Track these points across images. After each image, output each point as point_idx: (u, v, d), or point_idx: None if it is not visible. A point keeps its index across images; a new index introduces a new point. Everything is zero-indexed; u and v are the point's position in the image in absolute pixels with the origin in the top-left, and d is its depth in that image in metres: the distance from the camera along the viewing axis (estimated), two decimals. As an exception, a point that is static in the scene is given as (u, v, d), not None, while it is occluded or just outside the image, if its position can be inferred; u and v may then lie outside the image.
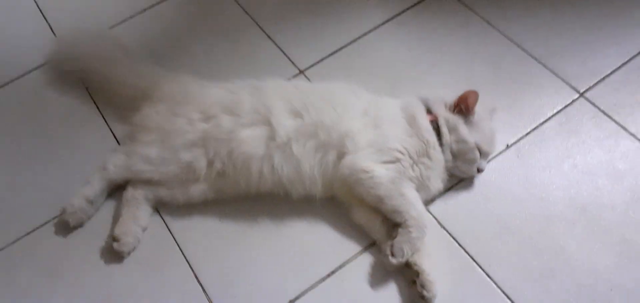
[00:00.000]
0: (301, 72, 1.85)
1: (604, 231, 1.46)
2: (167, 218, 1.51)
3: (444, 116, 1.50)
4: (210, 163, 1.46)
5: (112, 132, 1.70)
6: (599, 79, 1.78)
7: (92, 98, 1.78)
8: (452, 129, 1.48)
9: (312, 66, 1.87)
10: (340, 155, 1.44)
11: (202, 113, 1.48)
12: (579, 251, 1.42)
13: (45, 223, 1.51)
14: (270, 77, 1.58)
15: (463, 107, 1.49)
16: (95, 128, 1.71)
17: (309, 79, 1.83)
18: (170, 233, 1.49)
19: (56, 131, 1.71)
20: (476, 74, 1.82)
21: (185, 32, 2.01)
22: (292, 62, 1.88)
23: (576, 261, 1.41)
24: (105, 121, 1.73)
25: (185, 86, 1.58)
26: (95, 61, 1.72)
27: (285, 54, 1.92)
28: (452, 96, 1.53)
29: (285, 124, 1.44)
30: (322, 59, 1.89)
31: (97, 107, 1.76)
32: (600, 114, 1.70)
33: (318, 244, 1.45)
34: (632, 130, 1.65)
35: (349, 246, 1.45)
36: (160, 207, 1.52)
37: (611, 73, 1.79)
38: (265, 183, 1.46)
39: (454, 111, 1.51)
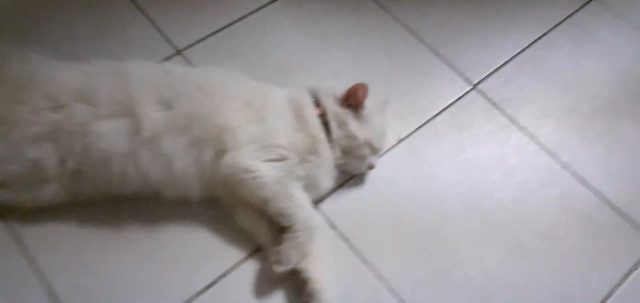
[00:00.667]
0: (179, 52, 1.66)
1: (495, 228, 1.43)
2: (14, 225, 1.29)
3: (333, 110, 1.39)
4: (61, 161, 1.24)
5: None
6: (491, 71, 1.76)
7: None
8: (341, 124, 1.38)
9: (191, 45, 1.68)
10: (219, 152, 1.28)
11: (50, 100, 1.25)
12: (471, 249, 1.39)
13: None
14: (137, 59, 1.37)
15: (352, 101, 1.39)
16: None
17: (188, 62, 1.65)
18: (18, 242, 1.26)
19: None
20: (369, 63, 1.74)
21: (40, 1, 1.71)
22: (169, 41, 1.68)
23: (468, 260, 1.37)
24: None
25: (31, 66, 1.32)
26: None
27: (160, 30, 1.70)
28: (342, 88, 1.42)
29: (153, 117, 1.25)
30: (203, 38, 1.71)
31: None
32: (492, 107, 1.68)
33: (196, 251, 1.30)
34: (523, 124, 1.65)
35: (232, 253, 1.31)
36: (5, 212, 1.28)
37: (503, 65, 1.78)
38: (130, 184, 1.27)
39: (343, 104, 1.39)
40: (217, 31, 1.72)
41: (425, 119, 1.61)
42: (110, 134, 1.23)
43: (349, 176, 1.46)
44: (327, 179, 1.37)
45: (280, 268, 1.22)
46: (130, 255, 1.27)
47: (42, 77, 1.29)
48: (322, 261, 1.27)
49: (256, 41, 1.73)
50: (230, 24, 1.75)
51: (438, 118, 1.63)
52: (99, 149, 1.22)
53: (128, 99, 1.26)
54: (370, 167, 1.43)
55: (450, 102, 1.67)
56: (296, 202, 1.27)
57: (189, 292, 1.24)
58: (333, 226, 1.38)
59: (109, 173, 1.24)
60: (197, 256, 1.29)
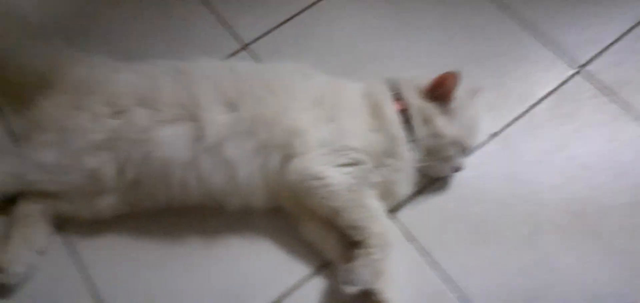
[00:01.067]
0: (245, 46, 1.55)
1: (602, 242, 1.22)
2: (72, 238, 1.22)
3: (416, 104, 1.21)
4: (120, 171, 1.17)
5: (8, 128, 1.37)
6: (599, 50, 1.51)
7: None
8: (426, 121, 1.21)
9: (257, 38, 1.56)
10: (287, 158, 1.16)
11: (110, 106, 1.18)
12: (573, 266, 1.19)
13: None
14: (201, 56, 1.27)
15: (440, 92, 1.21)
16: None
17: (256, 57, 1.53)
18: (75, 256, 1.20)
19: None
20: (454, 46, 1.55)
21: (104, 2, 1.65)
22: (235, 35, 1.57)
23: (568, 277, 1.18)
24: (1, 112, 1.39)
25: (92, 69, 1.26)
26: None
27: (225, 25, 1.59)
28: (426, 78, 1.24)
29: (217, 120, 1.15)
30: (269, 31, 1.58)
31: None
32: (601, 93, 1.44)
33: (258, 266, 1.19)
34: (639, 112, 1.40)
35: (297, 269, 1.19)
36: (62, 224, 1.23)
37: (614, 42, 1.53)
38: (191, 195, 1.18)
39: (428, 97, 1.22)
40: (283, 22, 1.60)
41: (522, 110, 1.41)
42: (171, 141, 1.14)
43: (431, 180, 1.29)
44: (406, 185, 1.21)
45: (350, 289, 1.08)
46: (187, 269, 1.18)
47: (102, 81, 1.22)
48: (399, 280, 1.13)
49: (325, 29, 1.59)
50: (297, 14, 1.61)
51: (536, 108, 1.41)
52: (159, 158, 1.14)
53: (191, 101, 1.16)
54: (457, 169, 1.25)
55: (550, 89, 1.45)
56: (370, 213, 1.13)
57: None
58: (411, 239, 1.22)
59: (169, 183, 1.16)
60: (259, 271, 1.18)
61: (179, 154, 1.14)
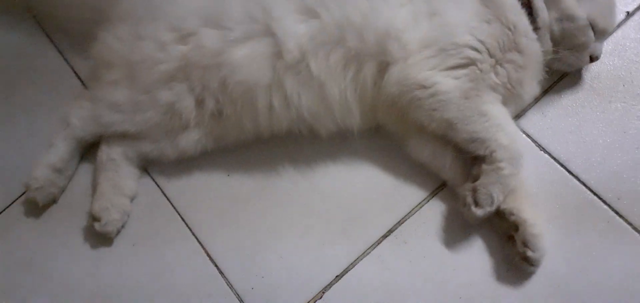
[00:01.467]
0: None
1: None
2: (160, 180, 1.14)
3: (537, -20, 0.99)
4: (199, 102, 1.05)
5: (74, 71, 1.29)
6: None
7: (43, 30, 1.35)
8: (552, 2, 0.99)
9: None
10: (383, 66, 0.99)
11: (175, 31, 1.05)
12: None
13: (9, 205, 1.15)
14: None
15: (568, -37, 0.98)
16: (54, 69, 1.30)
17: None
18: (167, 198, 1.12)
19: (4, 80, 1.31)
20: None
21: None
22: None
23: None
24: (65, 59, 1.31)
25: (148, -8, 1.13)
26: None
27: None
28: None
29: (295, 31, 0.99)
30: None
31: (52, 42, 1.34)
32: None
33: (364, 195, 1.06)
34: None
35: (409, 194, 1.05)
36: (149, 166, 1.15)
37: None
38: (280, 121, 1.04)
39: (552, -29, 1.00)
40: None
41: None
42: (247, 62, 1.01)
43: (559, 75, 1.08)
44: (533, 85, 1.01)
45: (479, 212, 0.93)
46: (287, 206, 1.07)
47: (162, 3, 1.09)
48: (535, 197, 0.96)
49: None
50: None
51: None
52: (237, 82, 1.01)
53: (263, 13, 1.01)
54: (594, 58, 1.03)
55: None
56: (494, 121, 0.95)
57: (363, 245, 1.01)
58: (543, 148, 1.03)
59: (253, 109, 1.03)
60: (367, 201, 1.06)
61: (258, 75, 1.00)
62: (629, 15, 1.12)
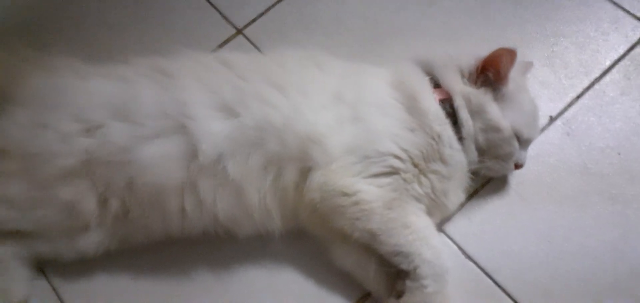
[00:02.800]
0: (239, 31, 1.32)
1: None
2: (56, 281, 1.02)
3: (462, 91, 0.98)
4: (102, 201, 0.95)
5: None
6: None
7: None
8: (477, 112, 0.97)
9: (252, 21, 1.33)
10: (305, 170, 0.94)
11: (80, 122, 0.96)
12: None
13: None
14: (186, 50, 1.04)
15: (492, 73, 0.97)
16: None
17: (252, 44, 1.30)
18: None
19: None
20: (495, 9, 1.30)
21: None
22: (226, 18, 1.33)
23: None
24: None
25: (56, 76, 1.03)
26: None
27: (215, 8, 1.34)
28: (469, 57, 1.01)
29: (212, 130, 0.92)
30: (264, 11, 1.34)
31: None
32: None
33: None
34: None
35: None
36: (45, 265, 1.03)
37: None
38: (193, 225, 0.96)
39: (476, 81, 0.99)
40: (279, 0, 1.35)
41: (587, 84, 1.18)
42: (158, 161, 0.92)
43: (485, 180, 1.06)
44: (458, 194, 0.98)
45: None
46: (199, 311, 0.97)
47: (69, 90, 1.00)
48: None
49: (332, 3, 1.35)
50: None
51: (605, 79, 1.18)
52: (146, 183, 0.92)
53: (178, 109, 0.94)
54: (519, 166, 1.02)
55: (618, 53, 1.21)
56: (418, 234, 0.91)
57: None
58: (468, 256, 1.00)
59: (162, 213, 0.94)
60: None
61: (169, 176, 0.92)
62: (552, 119, 1.13)
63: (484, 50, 0.98)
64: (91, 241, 0.97)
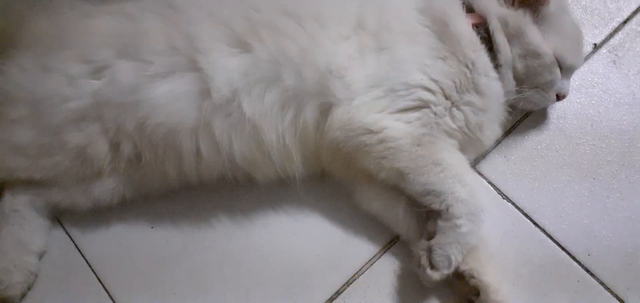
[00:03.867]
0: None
1: None
2: (74, 232, 1.00)
3: (498, 13, 0.89)
4: (114, 146, 0.91)
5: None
6: None
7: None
8: (515, 36, 0.89)
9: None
10: (326, 107, 0.87)
11: (86, 62, 0.91)
12: None
13: None
14: None
15: (530, -5, 0.89)
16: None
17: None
18: (81, 254, 0.97)
19: None
20: None
21: None
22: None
23: None
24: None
25: (59, 16, 0.98)
26: None
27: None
28: (507, -23, 0.93)
29: (225, 66, 0.86)
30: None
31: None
32: None
33: (309, 251, 0.95)
34: None
35: (358, 250, 0.93)
36: (61, 215, 1.00)
37: None
38: (209, 168, 0.91)
39: (513, 2, 0.90)
40: None
41: (634, 8, 1.08)
42: (170, 100, 0.87)
43: (523, 114, 0.98)
44: (494, 128, 0.91)
45: (435, 275, 0.82)
46: (219, 265, 0.94)
47: (73, 30, 0.95)
48: (497, 255, 0.86)
49: None
50: None
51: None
52: (157, 124, 0.87)
53: (188, 44, 0.88)
54: (561, 97, 0.94)
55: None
56: (450, 171, 0.84)
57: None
58: (505, 196, 0.92)
59: (177, 156, 0.90)
60: (309, 258, 0.93)
61: (181, 117, 0.87)
62: (596, 47, 1.03)
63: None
64: (105, 188, 0.94)
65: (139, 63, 0.88)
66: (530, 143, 0.97)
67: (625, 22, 1.06)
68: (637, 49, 1.03)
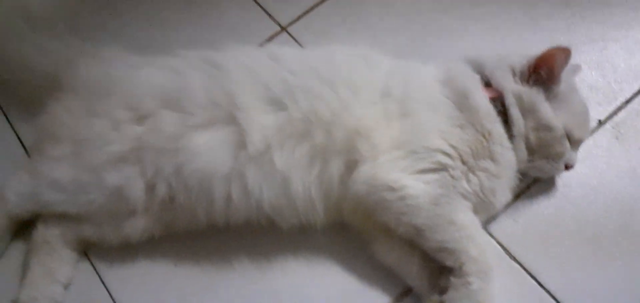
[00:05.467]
0: (283, 29, 1.33)
1: None
2: (100, 265, 1.04)
3: (513, 89, 0.97)
4: (150, 187, 0.96)
5: (18, 138, 1.19)
6: None
7: (-13, 90, 1.27)
8: (529, 111, 0.96)
9: (296, 19, 1.34)
10: (351, 164, 0.94)
11: (131, 110, 0.98)
12: None
13: None
14: (235, 44, 1.06)
15: (545, 72, 0.96)
16: (-5, 133, 1.20)
17: (295, 41, 1.30)
18: (106, 288, 1.02)
19: None
20: (541, 13, 1.28)
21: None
22: (270, 16, 1.34)
23: None
24: (10, 123, 1.22)
25: (107, 66, 1.06)
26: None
27: (259, 5, 1.36)
28: (520, 56, 1.00)
29: (261, 122, 0.94)
30: (309, 10, 1.35)
31: (-4, 103, 1.25)
32: None
33: (322, 297, 0.98)
34: None
35: (371, 300, 0.96)
36: (89, 249, 1.05)
37: None
38: (237, 213, 0.97)
39: (528, 79, 0.97)
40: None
41: (636, 89, 1.15)
42: (208, 149, 0.94)
43: (531, 180, 1.05)
44: (505, 192, 0.97)
45: None
46: (236, 300, 0.98)
47: (120, 80, 1.02)
48: None
49: (375, 5, 1.34)
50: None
51: (655, 85, 1.15)
52: (194, 170, 0.94)
53: (228, 100, 0.95)
54: (569, 167, 1.01)
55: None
56: (464, 231, 0.90)
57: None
58: (512, 257, 0.98)
59: (209, 200, 0.95)
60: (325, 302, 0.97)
61: (217, 165, 0.93)
62: (600, 123, 1.11)
63: (532, 52, 0.97)
64: (137, 227, 0.99)
65: (181, 114, 0.95)
66: (538, 208, 1.02)
67: (627, 101, 1.13)
68: (638, 127, 1.10)
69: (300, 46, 1.28)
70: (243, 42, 1.12)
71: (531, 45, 1.01)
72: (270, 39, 1.30)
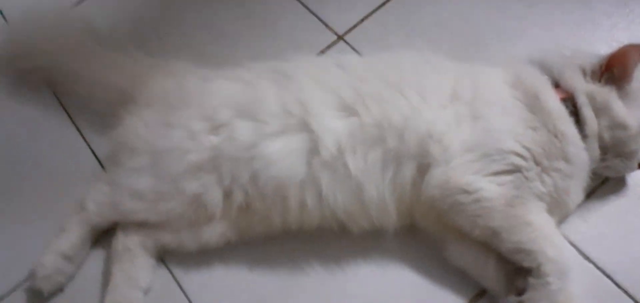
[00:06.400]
0: (340, 37, 1.35)
1: None
2: (177, 272, 1.07)
3: (585, 89, 0.97)
4: (227, 194, 1.00)
5: (92, 151, 1.24)
6: None
7: (62, 105, 1.31)
8: (602, 110, 0.96)
9: (352, 28, 1.35)
10: (423, 167, 0.95)
11: (207, 120, 1.01)
12: None
13: (10, 292, 1.08)
14: (296, 54, 1.09)
15: (618, 70, 0.96)
16: (70, 147, 1.25)
17: (352, 49, 1.32)
18: (184, 293, 1.05)
19: (16, 155, 1.26)
20: (600, 11, 1.27)
21: (179, 1, 1.48)
22: (327, 25, 1.36)
23: None
24: (82, 136, 1.26)
25: (181, 80, 1.10)
26: (58, 53, 1.24)
27: (315, 15, 1.38)
28: (589, 55, 1.01)
29: (334, 128, 0.96)
30: (364, 18, 1.36)
31: (70, 118, 1.29)
32: None
33: (397, 299, 0.99)
34: None
35: (445, 301, 0.97)
36: (166, 255, 1.08)
37: None
38: (311, 218, 0.99)
39: (600, 78, 0.97)
40: (379, 6, 1.37)
41: None
42: (282, 156, 0.97)
43: (601, 180, 1.04)
44: (578, 192, 0.97)
45: None
46: (311, 303, 1.00)
47: (194, 92, 1.06)
48: None
49: (431, 7, 1.36)
50: (393, -5, 1.39)
51: None
52: (270, 177, 0.96)
53: (300, 108, 0.98)
54: (642, 165, 1.01)
55: None
56: (541, 232, 0.90)
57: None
58: (586, 257, 0.98)
59: (284, 205, 0.98)
60: None
61: (293, 171, 0.96)
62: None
63: (593, 51, 0.99)
64: (214, 233, 1.02)
65: (255, 122, 0.98)
66: (609, 207, 1.02)
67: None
68: None
69: (358, 53, 1.30)
70: (301, 52, 1.16)
71: (589, 44, 1.01)
72: (328, 48, 1.33)
